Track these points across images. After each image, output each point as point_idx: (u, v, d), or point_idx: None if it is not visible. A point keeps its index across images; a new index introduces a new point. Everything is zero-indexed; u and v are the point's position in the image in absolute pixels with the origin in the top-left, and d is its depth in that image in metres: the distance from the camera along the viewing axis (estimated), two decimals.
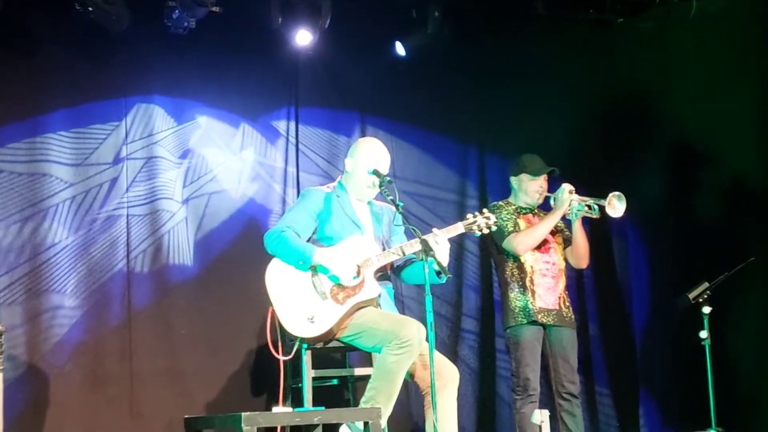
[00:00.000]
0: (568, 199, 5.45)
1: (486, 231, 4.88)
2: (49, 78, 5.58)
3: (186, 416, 4.55)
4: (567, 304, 5.59)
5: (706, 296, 5.27)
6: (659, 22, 6.37)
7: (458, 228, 4.82)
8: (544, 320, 5.47)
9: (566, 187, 5.46)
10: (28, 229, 5.53)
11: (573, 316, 5.60)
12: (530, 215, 5.65)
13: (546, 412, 5.18)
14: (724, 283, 5.34)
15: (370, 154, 4.85)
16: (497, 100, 6.71)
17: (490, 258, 6.67)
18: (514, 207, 5.65)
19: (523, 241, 5.48)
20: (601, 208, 5.46)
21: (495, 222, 4.90)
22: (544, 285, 5.51)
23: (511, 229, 5.52)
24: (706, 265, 5.76)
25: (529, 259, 5.52)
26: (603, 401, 6.78)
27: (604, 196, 5.48)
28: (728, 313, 5.58)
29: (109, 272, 5.69)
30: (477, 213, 4.90)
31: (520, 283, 5.50)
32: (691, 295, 5.31)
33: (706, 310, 5.27)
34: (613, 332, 6.90)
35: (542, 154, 5.75)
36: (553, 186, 5.66)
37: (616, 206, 5.44)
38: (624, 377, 6.84)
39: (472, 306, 6.65)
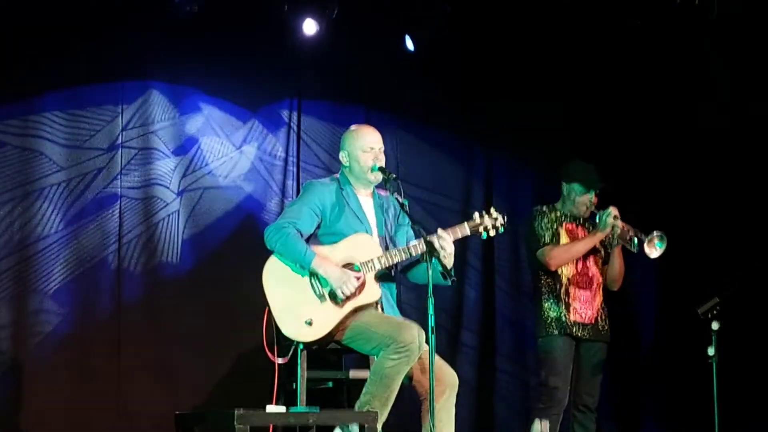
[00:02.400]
0: (612, 224, 5.45)
1: (493, 233, 4.80)
2: (47, 60, 5.64)
3: (177, 412, 4.62)
4: (605, 317, 5.63)
5: (716, 311, 5.31)
6: (682, 24, 6.43)
7: (464, 229, 4.76)
8: (579, 334, 5.52)
9: (612, 211, 5.46)
10: (18, 214, 5.59)
11: (608, 328, 5.65)
12: (573, 224, 5.67)
13: (546, 423, 5.27)
14: (734, 299, 5.38)
15: (359, 137, 4.85)
16: (507, 100, 6.76)
17: (493, 270, 6.80)
18: (558, 213, 5.66)
19: (556, 257, 5.52)
20: (641, 243, 5.44)
21: (503, 223, 4.80)
22: (581, 298, 5.56)
23: (548, 240, 5.55)
24: (717, 280, 5.80)
25: (565, 270, 5.57)
26: (605, 418, 6.83)
27: (640, 226, 5.47)
28: (737, 329, 5.61)
29: (99, 264, 5.75)
30: (484, 213, 4.81)
31: (555, 293, 5.54)
32: (701, 310, 5.35)
33: (715, 326, 5.30)
34: (616, 347, 6.95)
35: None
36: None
37: (655, 246, 5.43)
38: (627, 394, 6.90)
39: (473, 320, 6.72)
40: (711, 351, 5.27)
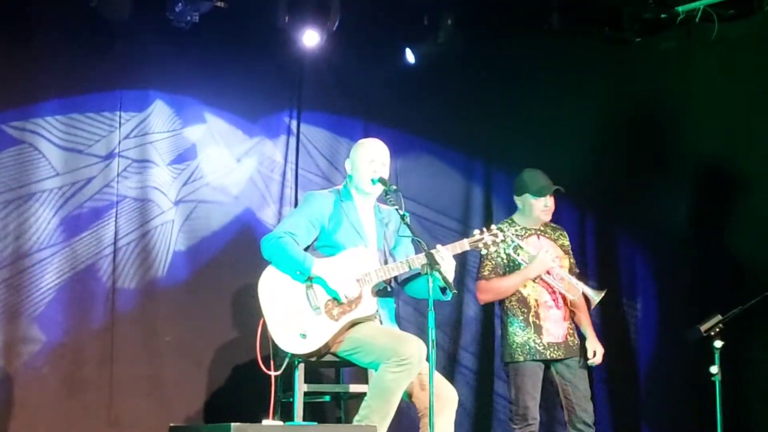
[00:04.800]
0: (542, 271, 5.54)
1: (493, 249, 4.91)
2: (45, 66, 5.65)
3: (171, 425, 4.62)
4: (572, 332, 5.65)
5: (718, 329, 5.30)
6: (680, 43, 6.50)
7: (463, 245, 4.84)
8: (553, 355, 5.53)
9: (548, 260, 5.53)
10: (12, 219, 5.58)
11: (579, 343, 5.67)
12: (535, 237, 5.70)
13: None
14: (738, 317, 5.39)
15: (364, 147, 4.94)
16: (507, 115, 6.81)
17: None
18: (518, 227, 5.69)
19: (486, 293, 5.65)
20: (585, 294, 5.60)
21: (503, 240, 4.90)
22: (551, 318, 5.57)
23: (487, 272, 5.60)
24: (720, 297, 5.82)
25: (532, 292, 5.59)
26: None
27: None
28: (741, 348, 5.63)
29: (93, 272, 5.74)
30: (484, 229, 4.91)
31: (522, 317, 5.55)
32: (703, 328, 5.33)
33: (718, 344, 5.28)
34: (615, 366, 6.94)
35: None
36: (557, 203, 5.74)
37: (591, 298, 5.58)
38: (626, 414, 6.87)
39: (472, 342, 6.73)
40: (714, 369, 5.27)
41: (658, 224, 6.78)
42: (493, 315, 6.73)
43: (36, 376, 5.50)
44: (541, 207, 5.65)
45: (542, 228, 5.74)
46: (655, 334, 6.93)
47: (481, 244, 4.86)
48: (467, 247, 4.85)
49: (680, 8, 6.49)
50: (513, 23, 6.45)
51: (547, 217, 5.71)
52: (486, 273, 5.61)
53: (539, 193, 5.63)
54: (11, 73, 5.56)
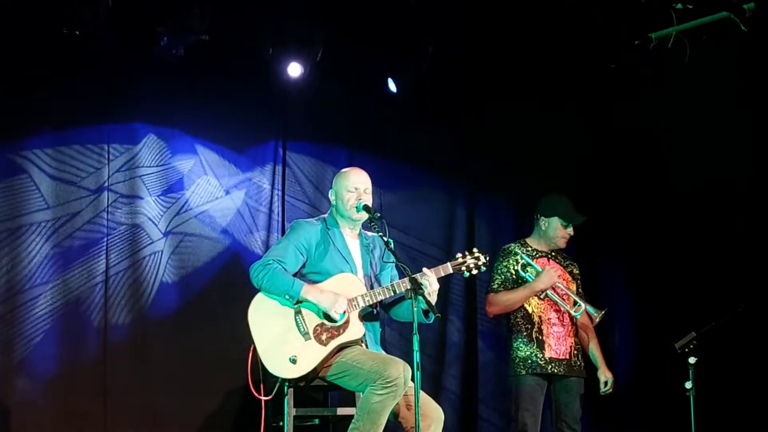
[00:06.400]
0: (549, 285, 5.68)
1: (475, 272, 5.02)
2: (37, 101, 5.78)
3: None
4: (576, 352, 5.78)
5: (692, 346, 5.47)
6: (653, 69, 6.64)
7: (447, 268, 4.96)
8: (555, 370, 5.67)
9: (555, 276, 5.69)
10: (4, 253, 5.70)
11: (582, 364, 5.81)
12: (545, 258, 5.86)
13: None
14: (711, 334, 5.53)
15: (346, 177, 5.06)
16: (489, 144, 6.94)
17: (475, 317, 6.90)
18: (530, 248, 5.84)
19: (494, 305, 5.76)
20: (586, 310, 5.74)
21: (485, 263, 5.02)
22: (554, 335, 5.72)
23: (496, 286, 5.74)
24: (694, 314, 5.94)
25: (536, 309, 5.74)
26: None
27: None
28: (714, 363, 5.74)
29: (85, 304, 5.86)
30: (467, 252, 5.04)
31: (526, 333, 5.70)
32: (678, 345, 5.51)
33: (692, 360, 5.46)
34: (594, 383, 7.06)
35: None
36: None
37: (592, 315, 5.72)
38: (604, 429, 6.96)
39: (456, 366, 6.85)
40: (688, 384, 5.43)
41: (638, 248, 6.90)
42: (476, 340, 6.88)
43: (32, 408, 5.59)
44: (563, 233, 5.81)
45: (553, 254, 5.90)
46: (632, 351, 7.04)
47: (464, 267, 5.00)
48: (450, 270, 4.98)
49: (653, 35, 6.60)
50: (493, 54, 6.58)
51: (564, 245, 5.88)
52: (495, 286, 5.77)
53: (570, 220, 5.80)
54: (4, 107, 5.69)
